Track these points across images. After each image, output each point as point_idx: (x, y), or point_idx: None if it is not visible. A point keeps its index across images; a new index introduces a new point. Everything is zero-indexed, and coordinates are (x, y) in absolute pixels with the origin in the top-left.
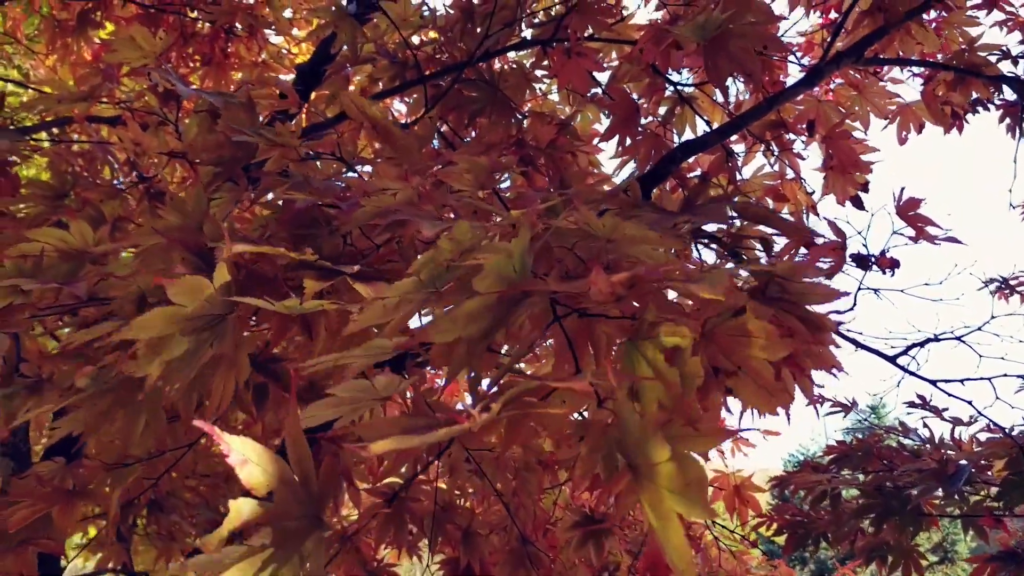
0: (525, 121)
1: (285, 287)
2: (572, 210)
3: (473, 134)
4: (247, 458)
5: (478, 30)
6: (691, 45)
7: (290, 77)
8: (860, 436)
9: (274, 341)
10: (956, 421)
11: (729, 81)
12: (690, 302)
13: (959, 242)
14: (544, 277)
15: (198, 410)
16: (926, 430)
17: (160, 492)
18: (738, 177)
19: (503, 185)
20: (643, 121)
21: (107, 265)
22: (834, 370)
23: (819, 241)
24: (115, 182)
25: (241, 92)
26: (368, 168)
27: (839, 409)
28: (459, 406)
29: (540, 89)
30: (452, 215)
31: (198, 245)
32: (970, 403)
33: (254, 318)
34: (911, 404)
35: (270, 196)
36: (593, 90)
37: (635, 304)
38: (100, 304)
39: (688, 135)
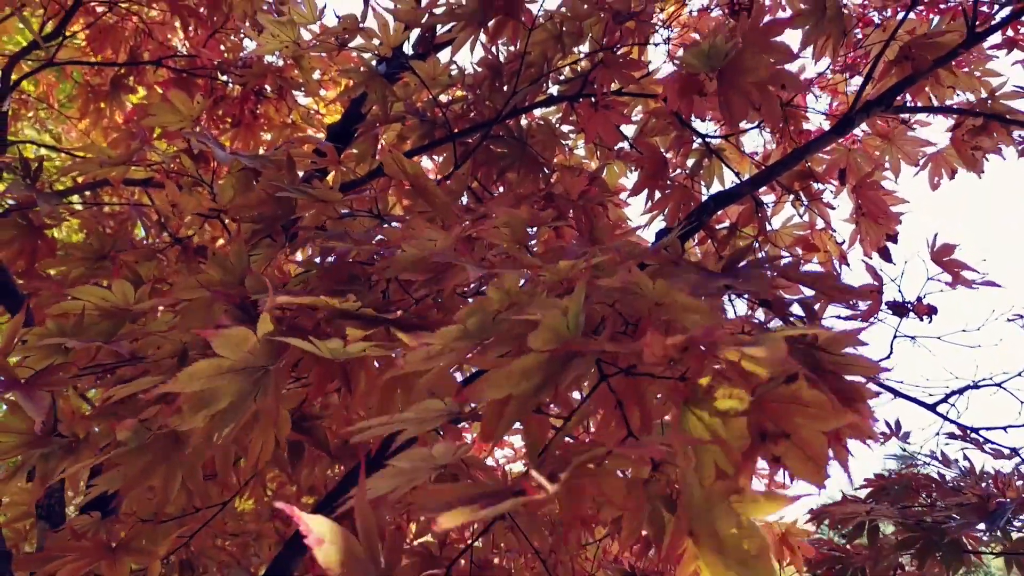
0: (553, 175)
1: (326, 339)
2: (624, 269)
3: (501, 189)
4: (323, 538)
5: (505, 88)
6: (712, 87)
7: (318, 137)
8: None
9: (313, 395)
10: (997, 454)
11: (756, 132)
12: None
13: (996, 285)
14: (593, 335)
15: (234, 467)
16: (966, 462)
17: (192, 550)
18: (767, 227)
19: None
20: (671, 174)
21: (146, 324)
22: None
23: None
24: (147, 243)
25: (281, 151)
26: (397, 224)
27: (880, 440)
28: (489, 461)
29: (567, 144)
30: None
31: (240, 298)
32: (1015, 451)
33: (293, 372)
34: (951, 436)
35: (302, 252)
36: (620, 144)
37: (680, 367)
38: (138, 362)
39: (716, 186)
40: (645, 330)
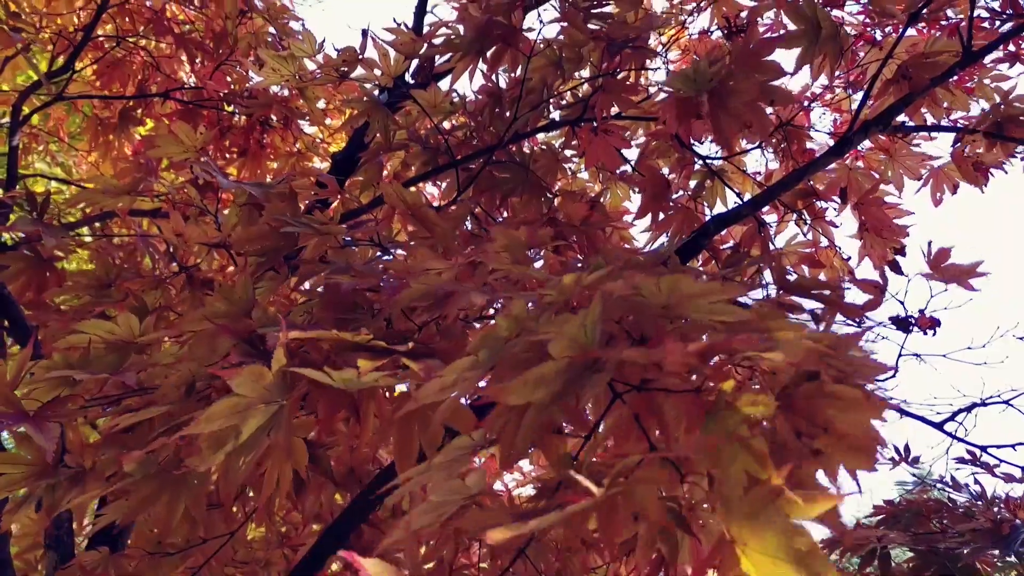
0: (556, 200)
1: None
2: (630, 274)
3: (505, 214)
4: None
5: (507, 114)
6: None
7: (322, 165)
8: (908, 494)
9: (323, 426)
10: (1008, 477)
11: (759, 152)
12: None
13: (984, 273)
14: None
15: (238, 499)
16: (977, 487)
17: None
18: (771, 247)
19: (535, 264)
20: (674, 195)
21: (152, 355)
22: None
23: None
24: (156, 272)
25: (282, 184)
26: (402, 251)
27: (889, 462)
28: (497, 485)
29: (570, 168)
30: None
31: (246, 331)
32: None
33: (302, 404)
34: (961, 460)
35: (308, 283)
36: (622, 168)
37: (695, 377)
38: (144, 393)
39: (719, 207)
40: (661, 339)
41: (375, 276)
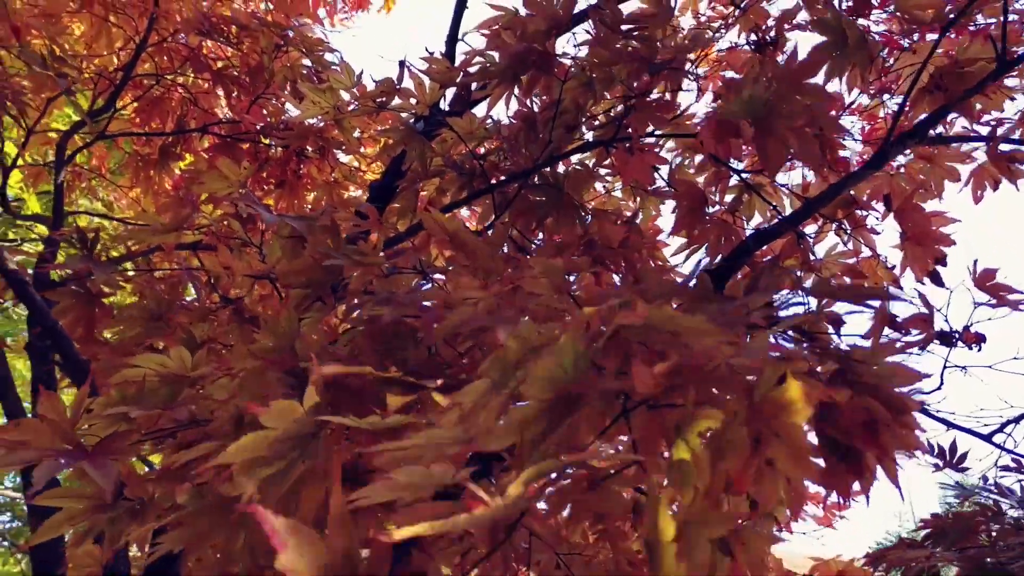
0: (590, 219)
1: (374, 398)
2: (632, 308)
3: (540, 235)
4: (287, 542)
5: (540, 136)
6: (748, 130)
7: (357, 193)
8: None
9: (366, 452)
10: None
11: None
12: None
13: None
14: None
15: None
16: None
17: None
18: (811, 258)
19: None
20: (710, 210)
21: (204, 388)
22: (917, 452)
23: (904, 312)
24: (199, 304)
25: (325, 216)
26: (440, 276)
27: (935, 464)
28: None
29: (604, 187)
30: (528, 318)
31: (291, 365)
32: None
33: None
34: (1006, 468)
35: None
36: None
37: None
38: (198, 426)
39: (756, 219)
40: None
41: (416, 305)
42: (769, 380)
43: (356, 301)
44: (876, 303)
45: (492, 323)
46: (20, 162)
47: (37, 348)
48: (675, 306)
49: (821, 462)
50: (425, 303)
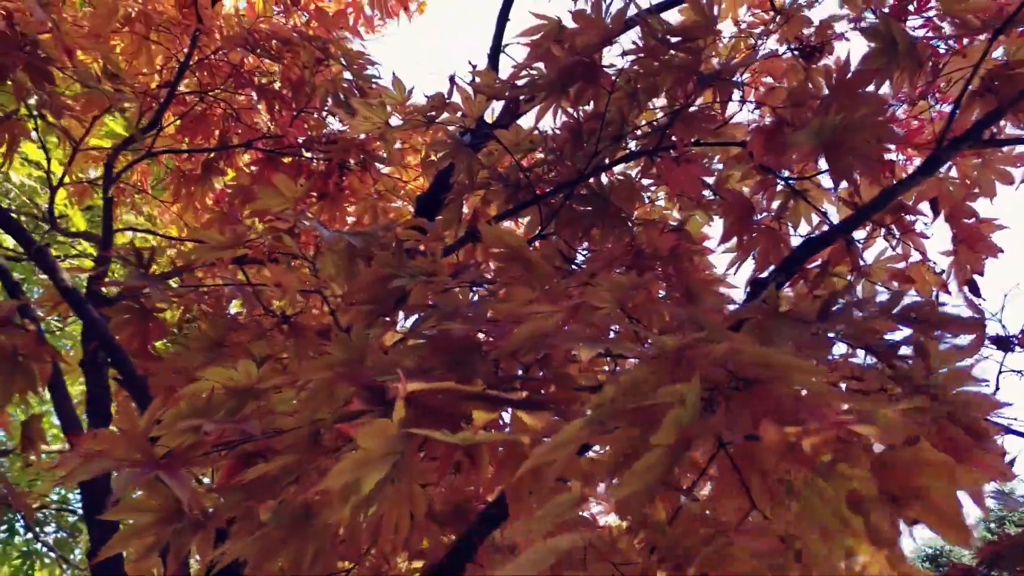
0: (636, 229)
1: (451, 415)
2: (732, 343)
3: (584, 245)
4: None
5: (585, 145)
6: (804, 146)
7: (399, 205)
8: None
9: (441, 471)
10: None
11: None
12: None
13: None
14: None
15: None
16: None
17: None
18: (861, 263)
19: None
20: (757, 217)
21: (269, 402)
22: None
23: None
24: (250, 321)
25: (388, 233)
26: (485, 288)
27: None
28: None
29: (648, 196)
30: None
31: (364, 379)
32: None
33: (420, 447)
34: None
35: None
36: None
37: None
38: (265, 438)
39: (804, 226)
40: (763, 400)
41: (481, 320)
42: (901, 441)
43: (419, 316)
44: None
45: (566, 340)
46: (67, 179)
47: (92, 364)
48: (740, 323)
49: None
50: (490, 317)
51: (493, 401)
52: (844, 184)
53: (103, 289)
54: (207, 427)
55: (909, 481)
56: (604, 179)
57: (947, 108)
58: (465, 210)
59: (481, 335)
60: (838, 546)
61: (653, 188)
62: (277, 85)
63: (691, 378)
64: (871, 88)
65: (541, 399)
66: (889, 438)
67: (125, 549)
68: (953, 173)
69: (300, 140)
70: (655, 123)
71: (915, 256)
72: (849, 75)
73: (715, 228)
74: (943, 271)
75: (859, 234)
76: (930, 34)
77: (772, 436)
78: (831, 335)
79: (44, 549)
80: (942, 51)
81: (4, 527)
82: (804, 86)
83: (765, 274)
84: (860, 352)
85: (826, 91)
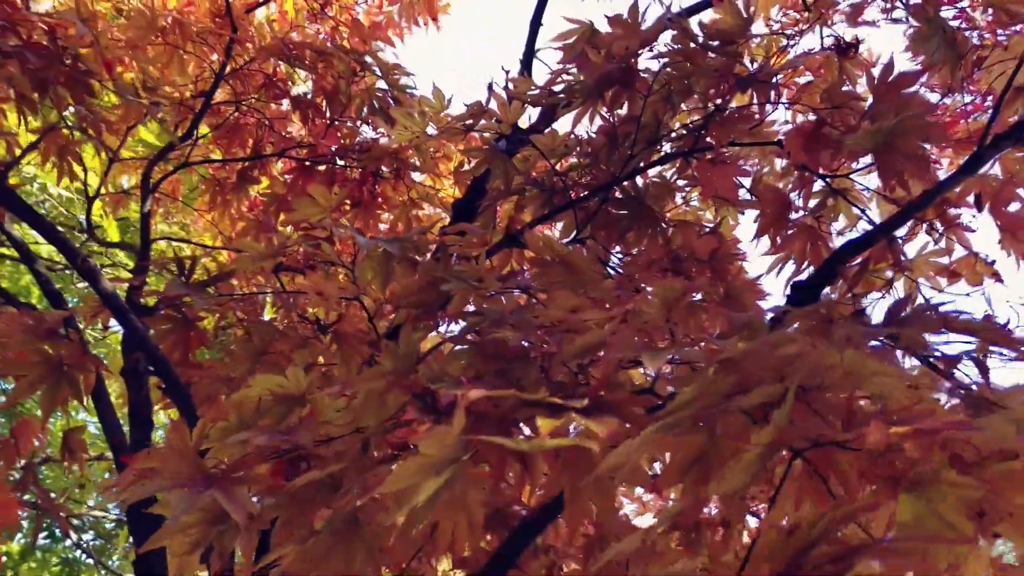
0: (670, 230)
1: (507, 424)
2: (815, 348)
3: (619, 249)
4: None
5: (619, 150)
6: (847, 146)
7: (431, 212)
8: None
9: (496, 479)
10: None
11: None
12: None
13: None
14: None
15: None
16: None
17: None
18: (903, 258)
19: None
20: (794, 216)
21: (314, 408)
22: None
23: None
24: (290, 328)
25: (424, 239)
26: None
27: None
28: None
29: (682, 197)
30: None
31: (417, 387)
32: None
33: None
34: None
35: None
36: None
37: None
38: (316, 446)
39: (842, 222)
40: (850, 411)
41: (529, 326)
42: (996, 455)
43: (464, 323)
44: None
45: (623, 348)
46: (103, 190)
47: (134, 373)
48: (794, 328)
49: None
50: (538, 324)
51: (554, 408)
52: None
53: (142, 299)
54: (258, 440)
55: (1001, 496)
56: (639, 182)
57: (980, 100)
58: (499, 217)
59: (525, 343)
60: (941, 553)
61: (687, 189)
62: (309, 94)
63: (752, 384)
64: (914, 88)
65: (602, 405)
66: (989, 448)
67: (166, 543)
68: (996, 170)
69: (333, 148)
70: (690, 125)
71: (959, 250)
72: (892, 77)
73: (744, 230)
74: (994, 261)
75: (900, 230)
76: (963, 25)
77: (876, 437)
78: (889, 343)
79: (83, 556)
80: (974, 42)
81: (45, 534)
82: (841, 84)
83: (804, 275)
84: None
85: (865, 89)
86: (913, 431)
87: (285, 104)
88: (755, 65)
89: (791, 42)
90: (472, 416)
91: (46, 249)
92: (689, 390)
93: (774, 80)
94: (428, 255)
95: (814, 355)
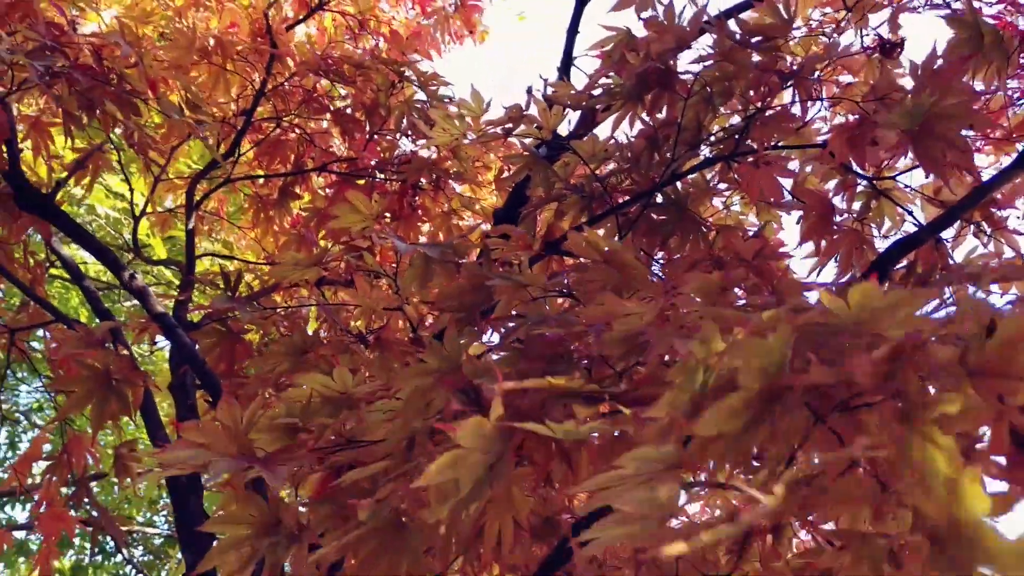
0: (712, 234)
1: (543, 420)
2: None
3: (661, 254)
4: None
5: (658, 154)
6: (890, 138)
7: (470, 222)
8: None
9: (538, 475)
10: None
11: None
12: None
13: None
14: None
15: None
16: None
17: None
18: (950, 262)
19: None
20: (838, 219)
21: (365, 411)
22: None
23: None
24: (333, 336)
25: (464, 244)
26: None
27: None
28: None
29: (723, 201)
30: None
31: (462, 383)
32: None
33: (517, 453)
34: None
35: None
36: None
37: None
38: (359, 446)
39: (887, 226)
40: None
41: (571, 326)
42: (982, 332)
43: (510, 324)
44: None
45: (664, 339)
46: (149, 209)
47: (182, 387)
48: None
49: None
50: (581, 323)
51: (592, 397)
52: (931, 178)
53: (188, 315)
54: (308, 423)
55: (1007, 368)
56: (679, 186)
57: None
58: (538, 226)
59: (568, 343)
60: (937, 484)
61: (728, 192)
62: (349, 109)
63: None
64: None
65: (641, 396)
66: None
67: (222, 562)
68: None
69: (373, 162)
70: (730, 127)
71: (1008, 253)
72: (937, 66)
73: (784, 235)
74: None
75: (947, 232)
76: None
77: (863, 365)
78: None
79: (133, 572)
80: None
81: (97, 550)
82: (885, 81)
83: (848, 277)
84: None
85: (911, 84)
86: (892, 348)
87: (326, 120)
88: (794, 65)
89: (830, 39)
90: (509, 412)
91: (93, 269)
92: (684, 360)
93: (816, 75)
94: (470, 258)
95: (819, 310)
